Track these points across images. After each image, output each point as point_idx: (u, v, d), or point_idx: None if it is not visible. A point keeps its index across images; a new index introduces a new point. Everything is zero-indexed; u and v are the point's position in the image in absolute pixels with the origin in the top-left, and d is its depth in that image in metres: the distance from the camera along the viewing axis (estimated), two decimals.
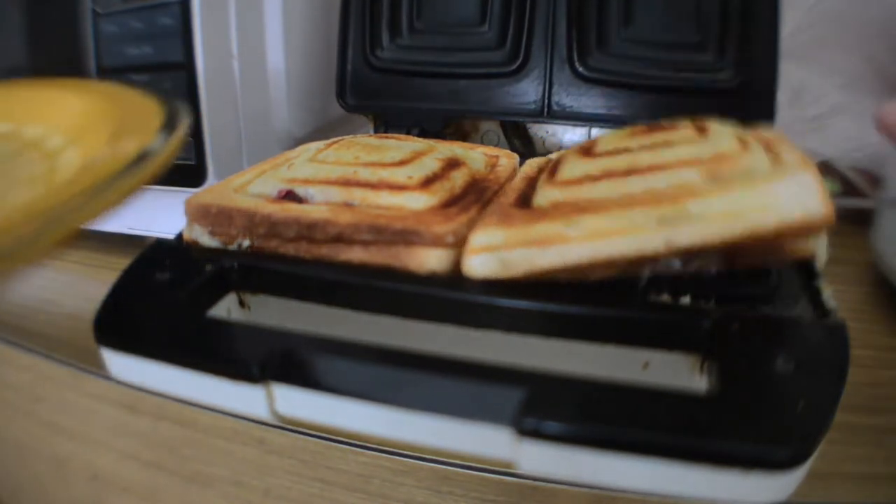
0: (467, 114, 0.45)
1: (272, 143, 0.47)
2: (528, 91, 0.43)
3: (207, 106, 0.40)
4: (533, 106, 0.43)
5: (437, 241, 0.24)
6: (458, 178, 0.29)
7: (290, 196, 0.27)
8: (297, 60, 0.47)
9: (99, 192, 0.17)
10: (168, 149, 0.20)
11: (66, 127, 0.24)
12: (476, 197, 0.28)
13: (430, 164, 0.28)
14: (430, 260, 0.24)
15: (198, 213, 0.27)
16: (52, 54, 0.42)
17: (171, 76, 0.40)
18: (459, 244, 0.24)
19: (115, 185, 0.17)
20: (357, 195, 0.27)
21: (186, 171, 0.41)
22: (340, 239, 0.25)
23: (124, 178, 0.18)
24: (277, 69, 0.46)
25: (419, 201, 0.26)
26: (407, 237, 0.24)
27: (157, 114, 0.22)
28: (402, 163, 0.28)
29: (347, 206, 0.26)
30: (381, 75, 0.45)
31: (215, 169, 0.41)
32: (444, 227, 0.24)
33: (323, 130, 0.50)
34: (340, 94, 0.46)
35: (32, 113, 0.26)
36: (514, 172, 0.32)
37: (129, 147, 0.20)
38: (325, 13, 0.49)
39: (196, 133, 0.40)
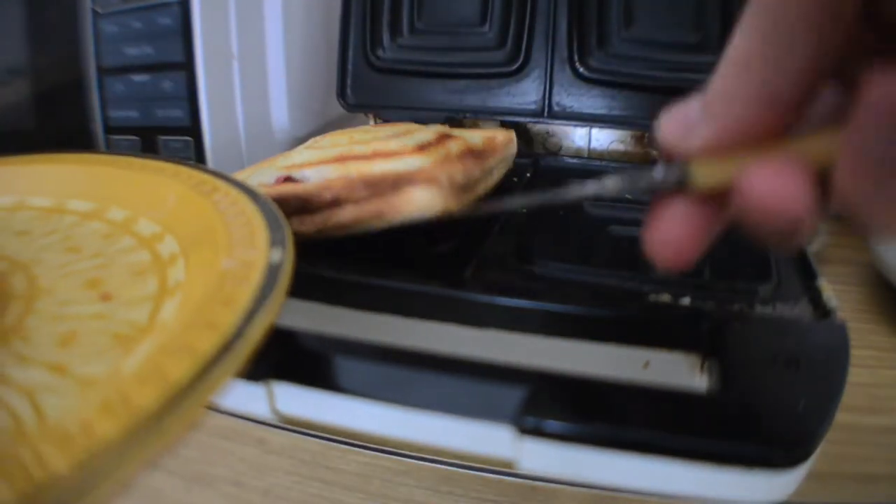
0: (467, 114, 0.45)
1: (272, 143, 0.47)
2: (528, 91, 0.43)
3: (207, 106, 0.40)
4: (533, 106, 0.43)
5: (430, 181, 0.23)
6: (454, 147, 0.28)
7: (288, 181, 0.27)
8: (297, 60, 0.47)
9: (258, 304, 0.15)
10: (289, 259, 0.18)
11: (157, 214, 0.23)
12: (473, 161, 0.27)
13: (424, 136, 0.28)
14: (422, 199, 0.23)
15: None
16: (52, 54, 0.42)
17: (171, 76, 0.40)
18: (454, 190, 0.24)
19: (268, 301, 0.16)
20: (352, 168, 0.26)
21: None
22: (336, 203, 0.24)
23: (269, 293, 0.16)
24: (277, 69, 0.46)
25: (414, 163, 0.25)
26: (400, 185, 0.23)
27: (252, 212, 0.21)
28: (395, 136, 0.28)
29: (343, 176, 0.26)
30: (381, 75, 0.45)
31: (215, 168, 0.41)
32: (439, 170, 0.24)
33: (323, 130, 0.50)
34: (341, 94, 0.46)
35: (114, 194, 0.25)
36: (511, 145, 0.32)
37: (252, 257, 0.18)
38: (325, 13, 0.49)
39: (196, 133, 0.40)
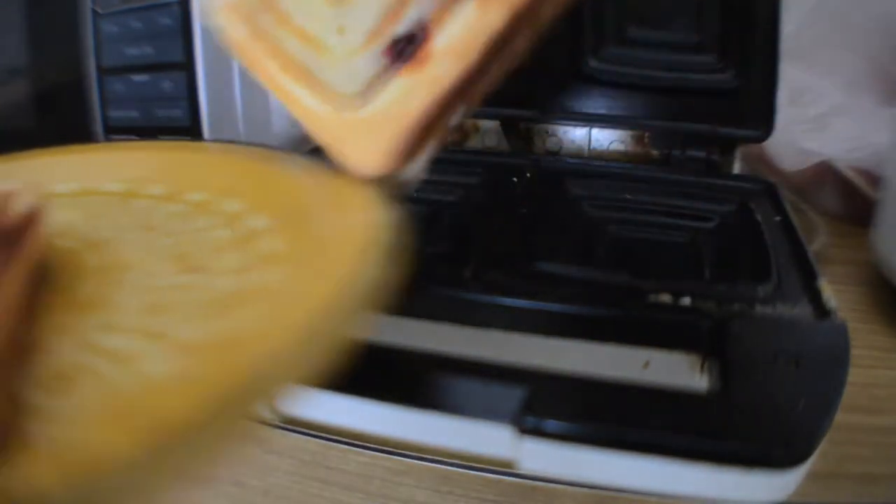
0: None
1: (272, 142, 0.47)
2: (528, 91, 0.43)
3: (207, 106, 0.40)
4: (534, 106, 0.43)
5: None
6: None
7: None
8: None
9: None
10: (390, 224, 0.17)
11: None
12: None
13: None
14: None
15: None
16: (52, 54, 0.42)
17: (171, 76, 0.40)
18: None
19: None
20: None
21: None
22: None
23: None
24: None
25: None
26: None
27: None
28: None
29: None
30: None
31: None
32: None
33: None
34: None
35: (189, 177, 0.24)
36: None
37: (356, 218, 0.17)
38: None
39: (196, 133, 0.40)
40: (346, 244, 0.16)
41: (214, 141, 0.41)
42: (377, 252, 0.16)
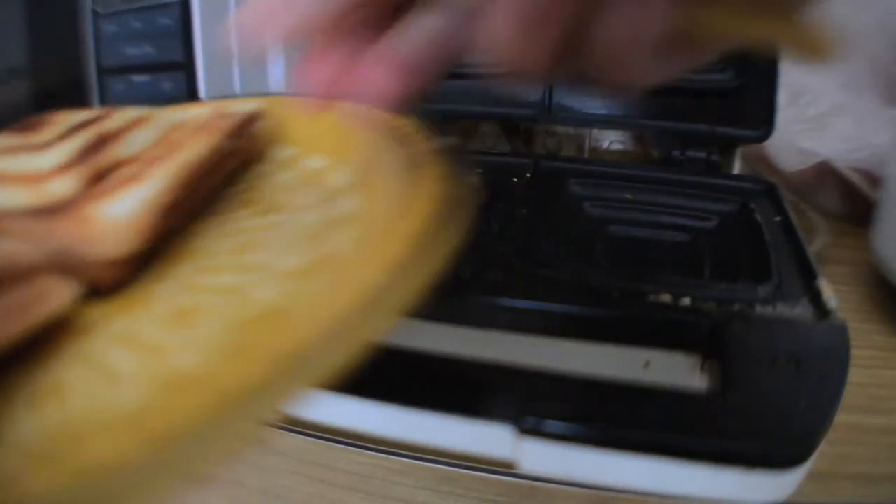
0: (468, 114, 0.45)
1: None
2: (528, 91, 0.43)
3: None
4: (534, 106, 0.43)
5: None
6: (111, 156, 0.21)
7: None
8: (298, 60, 0.47)
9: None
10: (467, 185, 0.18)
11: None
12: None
13: (78, 142, 0.20)
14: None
15: None
16: (52, 54, 0.42)
17: (171, 76, 0.40)
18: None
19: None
20: None
21: None
22: None
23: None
24: (277, 69, 0.46)
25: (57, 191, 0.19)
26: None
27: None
28: (57, 139, 0.21)
29: None
30: None
31: None
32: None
33: None
34: None
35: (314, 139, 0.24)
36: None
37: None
38: None
39: None
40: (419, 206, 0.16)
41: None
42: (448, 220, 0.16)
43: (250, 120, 0.24)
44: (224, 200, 0.21)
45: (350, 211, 0.19)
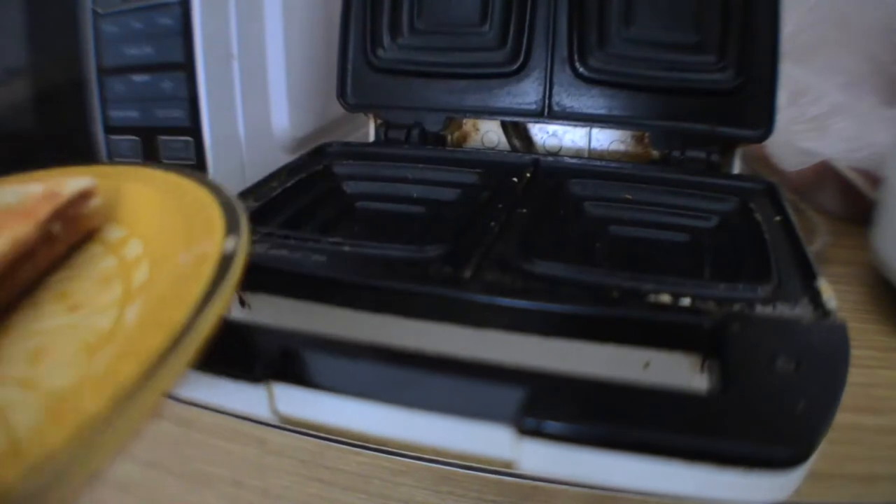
0: (467, 114, 0.45)
1: (272, 143, 0.47)
2: (528, 91, 0.43)
3: (207, 106, 0.40)
4: (533, 106, 0.43)
5: None
6: None
7: None
8: (298, 61, 0.47)
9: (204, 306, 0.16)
10: (243, 248, 0.18)
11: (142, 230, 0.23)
12: None
13: None
14: None
15: None
16: (52, 54, 0.42)
17: (171, 76, 0.40)
18: None
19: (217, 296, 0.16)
20: None
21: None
22: None
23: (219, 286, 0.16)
24: (277, 69, 0.46)
25: None
26: None
27: (213, 206, 0.21)
28: None
29: None
30: (381, 75, 0.45)
31: (215, 169, 0.41)
32: None
33: (323, 130, 0.50)
34: (341, 94, 0.46)
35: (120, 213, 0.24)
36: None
37: (207, 250, 0.18)
38: (325, 13, 0.49)
39: (196, 133, 0.40)
40: (194, 278, 0.17)
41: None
42: (218, 286, 0.17)
43: (81, 199, 0.23)
44: (44, 290, 0.20)
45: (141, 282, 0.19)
